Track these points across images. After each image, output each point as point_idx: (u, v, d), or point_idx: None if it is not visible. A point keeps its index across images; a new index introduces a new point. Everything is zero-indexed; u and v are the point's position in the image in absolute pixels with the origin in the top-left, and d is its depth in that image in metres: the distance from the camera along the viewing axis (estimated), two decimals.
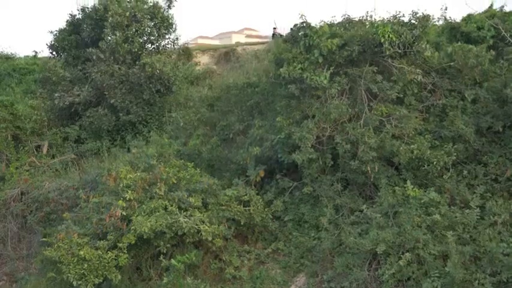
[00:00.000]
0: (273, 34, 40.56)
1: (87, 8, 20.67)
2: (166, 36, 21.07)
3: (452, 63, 13.14)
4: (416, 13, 13.17)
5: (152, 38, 20.17)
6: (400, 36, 12.33)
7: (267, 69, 21.30)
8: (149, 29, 20.10)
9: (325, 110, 12.42)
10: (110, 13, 19.27)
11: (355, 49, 12.46)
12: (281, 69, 12.58)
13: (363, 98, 12.66)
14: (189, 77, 23.02)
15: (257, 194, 13.31)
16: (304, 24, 13.02)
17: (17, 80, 27.94)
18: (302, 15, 12.97)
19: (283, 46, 13.51)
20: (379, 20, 13.30)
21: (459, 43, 13.81)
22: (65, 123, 20.66)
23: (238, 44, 32.75)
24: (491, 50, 13.07)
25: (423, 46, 12.58)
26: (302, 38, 12.83)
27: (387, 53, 12.30)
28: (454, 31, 15.97)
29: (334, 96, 12.39)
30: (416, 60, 13.09)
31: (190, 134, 17.48)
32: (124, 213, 11.85)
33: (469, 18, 16.59)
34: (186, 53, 25.67)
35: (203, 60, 26.67)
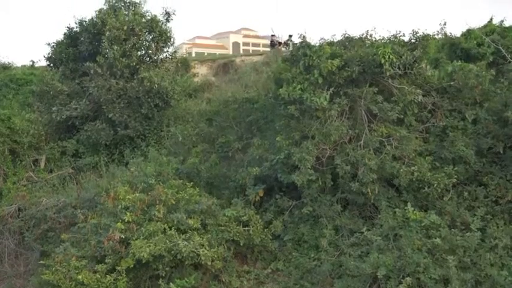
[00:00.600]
0: (271, 41, 40.53)
1: (85, 21, 20.58)
2: (165, 50, 20.99)
3: (452, 83, 13.06)
4: (416, 32, 13.13)
5: (150, 51, 20.04)
6: (401, 57, 12.28)
7: (265, 82, 21.32)
8: (147, 42, 20.00)
9: (325, 131, 12.34)
10: (107, 27, 19.16)
11: (355, 70, 12.40)
12: (280, 90, 12.50)
13: (363, 119, 12.58)
14: (187, 90, 22.93)
15: (256, 213, 13.23)
16: (304, 43, 12.95)
17: (14, 91, 27.80)
18: (302, 34, 12.92)
19: (283, 66, 13.45)
20: (379, 39, 13.27)
21: (459, 61, 13.77)
22: (63, 137, 20.53)
23: (235, 54, 32.73)
24: (491, 70, 13.01)
25: (424, 66, 12.52)
26: (302, 58, 12.75)
27: (388, 74, 12.24)
28: (453, 47, 15.97)
29: (334, 117, 12.29)
30: (416, 80, 13.03)
31: (188, 149, 17.40)
32: (123, 236, 11.76)
33: (468, 34, 16.57)
34: (184, 64, 25.57)
35: (201, 71, 26.59)
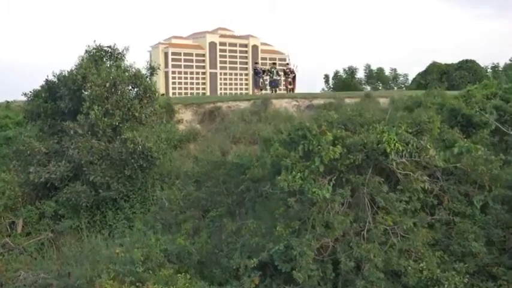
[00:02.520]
0: (255, 69, 40.28)
1: (64, 75, 19.40)
2: (148, 104, 19.86)
3: (459, 165, 12.37)
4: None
5: (133, 109, 18.91)
6: (407, 145, 11.55)
7: (254, 135, 20.56)
8: (130, 101, 18.80)
9: (326, 220, 11.54)
10: (88, 84, 18.09)
11: (359, 157, 11.61)
12: (279, 180, 11.62)
13: (367, 207, 11.81)
14: (172, 141, 21.84)
15: None
16: (303, 126, 12.14)
17: None
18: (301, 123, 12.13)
19: (281, 150, 12.59)
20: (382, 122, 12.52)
21: (465, 141, 13.12)
22: (41, 197, 19.37)
23: (222, 98, 32.21)
24: (500, 155, 12.30)
25: (432, 154, 11.80)
26: (301, 141, 11.92)
27: (393, 164, 11.50)
28: (454, 113, 15.38)
29: (336, 209, 11.49)
30: (421, 162, 12.29)
31: (176, 215, 16.55)
32: None
33: (469, 97, 16.02)
34: (168, 109, 24.52)
35: (186, 117, 25.63)
